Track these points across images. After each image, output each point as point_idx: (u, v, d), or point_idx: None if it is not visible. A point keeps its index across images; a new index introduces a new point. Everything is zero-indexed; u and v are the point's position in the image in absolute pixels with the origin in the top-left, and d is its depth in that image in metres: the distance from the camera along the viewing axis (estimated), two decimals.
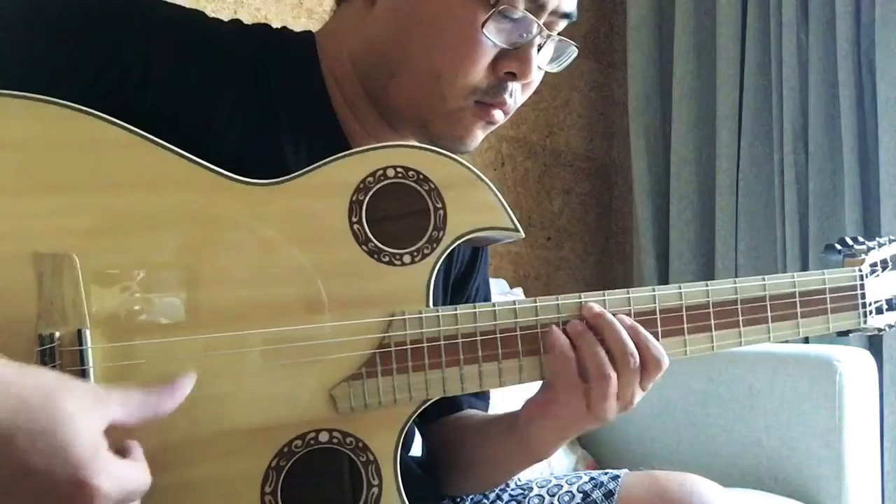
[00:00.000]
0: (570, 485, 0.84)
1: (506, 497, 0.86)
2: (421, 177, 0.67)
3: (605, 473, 0.84)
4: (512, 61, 0.71)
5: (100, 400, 0.50)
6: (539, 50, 0.73)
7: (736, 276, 2.18)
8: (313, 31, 0.81)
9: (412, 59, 0.72)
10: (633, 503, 0.80)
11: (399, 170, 0.67)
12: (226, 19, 0.78)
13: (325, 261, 0.64)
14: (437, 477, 0.87)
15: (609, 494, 0.81)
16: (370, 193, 0.66)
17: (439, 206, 0.67)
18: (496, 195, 0.69)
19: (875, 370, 1.63)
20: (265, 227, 0.63)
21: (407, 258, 0.66)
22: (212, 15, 0.77)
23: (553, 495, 0.83)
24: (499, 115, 0.75)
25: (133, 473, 0.51)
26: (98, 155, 0.59)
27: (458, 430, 0.87)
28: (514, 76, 0.72)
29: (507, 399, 0.97)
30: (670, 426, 1.75)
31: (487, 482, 0.85)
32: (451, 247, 0.68)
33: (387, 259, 0.66)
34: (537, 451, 0.77)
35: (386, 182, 0.66)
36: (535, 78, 0.74)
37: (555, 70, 0.78)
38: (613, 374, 0.68)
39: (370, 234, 0.66)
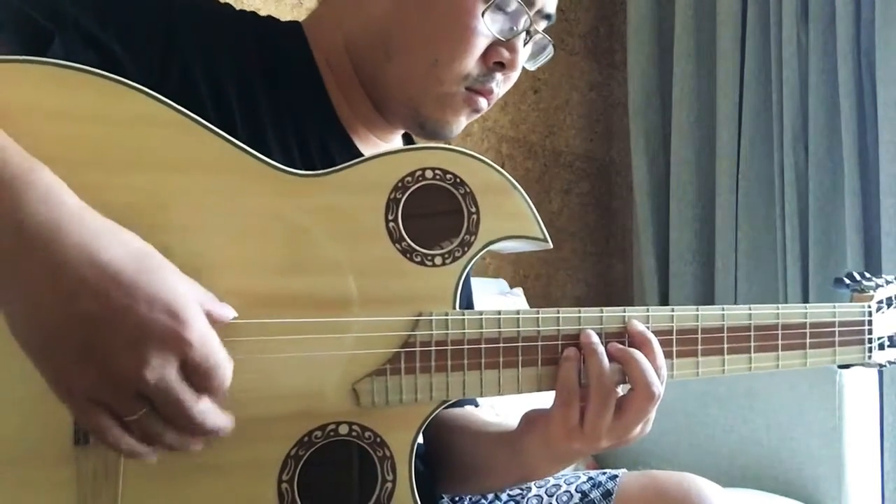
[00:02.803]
0: (569, 485, 0.84)
1: (504, 497, 0.86)
2: (458, 180, 0.68)
3: (604, 473, 0.84)
4: (502, 52, 0.76)
5: (177, 270, 0.54)
6: (524, 45, 0.78)
7: (735, 276, 2.18)
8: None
9: (410, 41, 0.75)
10: (632, 503, 0.80)
11: (437, 172, 0.67)
12: None
13: (358, 256, 0.64)
14: (432, 473, 0.87)
15: (607, 494, 0.80)
16: (407, 193, 0.66)
17: (473, 210, 0.68)
18: (529, 204, 0.69)
19: (875, 370, 1.63)
20: (302, 217, 0.63)
21: (438, 259, 0.67)
22: None
23: (551, 495, 0.83)
24: (483, 104, 0.79)
25: (219, 345, 0.53)
26: (143, 132, 0.59)
27: (453, 430, 0.87)
28: (502, 66, 0.77)
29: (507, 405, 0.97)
30: (670, 426, 1.75)
31: (476, 487, 0.85)
32: (482, 252, 0.68)
33: (419, 259, 0.66)
34: (526, 464, 0.76)
35: (423, 183, 0.67)
36: (518, 71, 0.79)
37: (531, 68, 0.83)
38: (615, 391, 0.69)
39: (404, 234, 0.66)
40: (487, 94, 0.78)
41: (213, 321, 0.54)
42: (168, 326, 0.50)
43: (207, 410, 0.53)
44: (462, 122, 0.80)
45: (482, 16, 0.73)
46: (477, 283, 1.26)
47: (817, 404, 1.57)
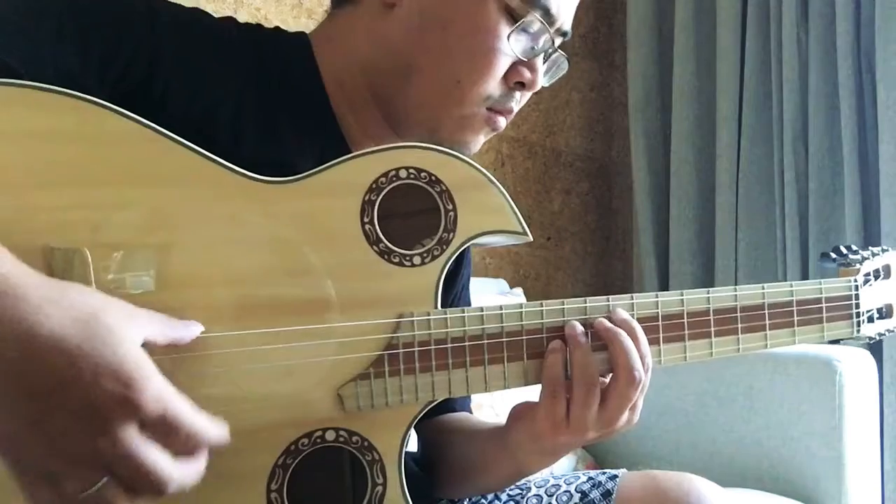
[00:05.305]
0: (569, 484, 0.84)
1: (504, 497, 0.86)
2: (433, 178, 0.67)
3: (604, 473, 0.84)
4: (523, 72, 0.76)
5: (133, 316, 0.51)
6: (544, 62, 0.78)
7: (736, 276, 2.18)
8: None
9: (433, 63, 0.74)
10: (631, 503, 0.80)
11: (411, 171, 0.67)
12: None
13: (335, 261, 0.64)
14: (430, 477, 0.87)
15: (607, 494, 0.80)
16: (382, 194, 0.66)
17: (450, 207, 0.67)
18: (506, 198, 0.69)
19: (875, 370, 1.63)
20: (277, 225, 0.63)
21: (417, 259, 0.66)
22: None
23: (551, 495, 0.83)
24: (503, 123, 0.79)
25: (177, 399, 0.50)
26: (113, 149, 0.59)
27: (449, 433, 0.87)
28: (522, 86, 0.77)
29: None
30: (670, 426, 1.75)
31: (473, 488, 0.85)
32: (461, 249, 0.68)
33: (397, 260, 0.66)
34: (517, 459, 0.76)
35: (398, 183, 0.66)
36: (536, 89, 0.79)
37: (546, 83, 0.83)
38: (598, 382, 0.69)
39: (381, 235, 0.66)
40: (507, 113, 0.78)
41: (178, 346, 0.54)
42: (117, 394, 0.47)
43: (179, 467, 0.51)
44: (480, 140, 0.79)
45: (507, 38, 0.73)
46: (477, 283, 1.26)
47: (817, 404, 1.56)
